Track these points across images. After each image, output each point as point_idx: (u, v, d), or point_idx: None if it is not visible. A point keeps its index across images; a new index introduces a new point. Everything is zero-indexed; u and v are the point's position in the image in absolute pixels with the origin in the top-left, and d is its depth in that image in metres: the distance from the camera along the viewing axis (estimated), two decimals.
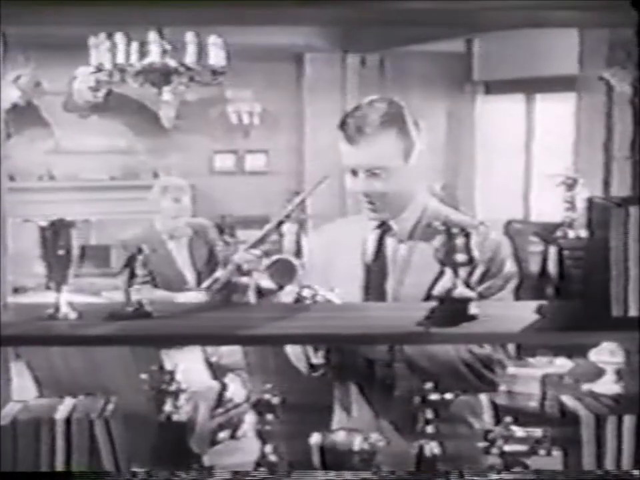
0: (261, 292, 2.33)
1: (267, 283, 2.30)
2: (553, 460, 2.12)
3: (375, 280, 2.62)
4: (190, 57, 6.09)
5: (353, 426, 2.50)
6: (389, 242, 2.62)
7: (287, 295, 2.34)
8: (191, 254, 5.73)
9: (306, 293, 2.32)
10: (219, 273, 2.44)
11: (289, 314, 2.22)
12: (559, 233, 2.13)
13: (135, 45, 5.99)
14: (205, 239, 5.80)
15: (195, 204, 6.08)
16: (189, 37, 6.05)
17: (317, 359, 2.53)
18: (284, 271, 2.32)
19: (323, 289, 2.39)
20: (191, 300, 5.15)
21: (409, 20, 2.47)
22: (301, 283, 2.31)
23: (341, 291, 2.47)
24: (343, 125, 2.58)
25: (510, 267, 2.53)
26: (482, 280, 2.50)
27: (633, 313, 2.01)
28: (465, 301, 2.10)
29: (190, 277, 5.67)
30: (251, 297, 2.29)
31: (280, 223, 2.37)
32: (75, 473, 2.05)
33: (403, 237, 2.60)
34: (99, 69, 6.07)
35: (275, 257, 2.32)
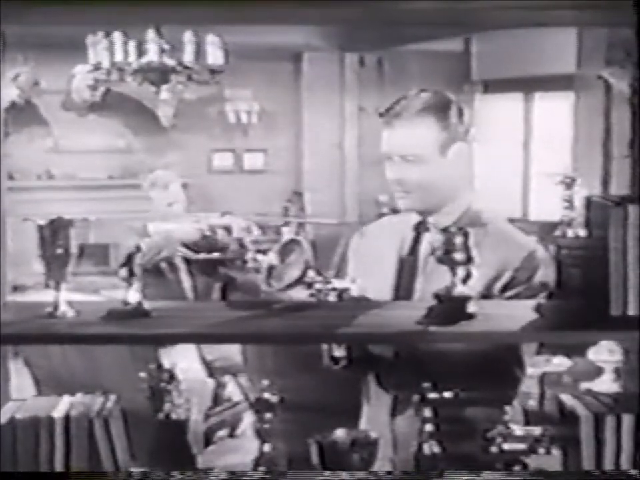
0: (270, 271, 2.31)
1: (274, 259, 2.29)
2: (552, 459, 2.13)
3: (405, 277, 2.61)
4: (188, 56, 6.09)
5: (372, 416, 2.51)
6: (425, 240, 2.59)
7: (293, 269, 2.31)
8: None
9: (319, 285, 2.31)
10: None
11: (290, 312, 2.22)
12: (557, 232, 2.13)
13: (133, 44, 5.99)
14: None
15: (193, 202, 6.09)
16: (187, 35, 6.05)
17: (339, 351, 2.52)
18: (292, 250, 2.31)
19: (339, 281, 2.40)
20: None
21: (407, 19, 2.48)
22: (309, 264, 2.29)
23: (372, 286, 2.47)
24: (385, 111, 2.58)
25: (543, 276, 2.42)
26: (506, 288, 2.49)
27: (631, 311, 2.01)
28: (464, 300, 2.10)
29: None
30: (262, 277, 2.28)
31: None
32: (72, 473, 2.05)
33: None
34: (97, 68, 6.06)
35: (287, 238, 2.31)
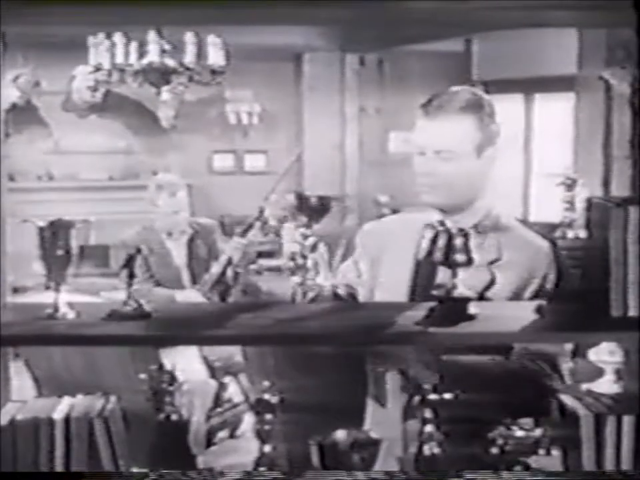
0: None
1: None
2: (553, 460, 2.12)
3: (422, 278, 2.56)
4: (189, 57, 6.08)
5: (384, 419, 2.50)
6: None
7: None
8: (189, 254, 5.74)
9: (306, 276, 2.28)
10: (214, 269, 2.43)
11: (290, 313, 2.22)
12: (558, 233, 2.13)
13: (133, 45, 5.99)
14: (205, 239, 5.80)
15: (193, 204, 6.08)
16: (188, 36, 6.05)
17: None
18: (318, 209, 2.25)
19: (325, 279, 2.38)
20: (189, 298, 5.18)
21: (408, 20, 2.48)
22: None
23: (387, 287, 2.45)
24: (426, 103, 2.57)
25: (553, 282, 2.42)
26: (537, 295, 2.46)
27: (632, 312, 2.01)
28: (464, 301, 2.10)
29: (186, 276, 5.67)
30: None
31: (262, 210, 2.35)
32: (86, 473, 2.05)
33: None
34: (98, 69, 6.06)
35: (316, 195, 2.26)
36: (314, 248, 2.16)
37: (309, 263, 2.20)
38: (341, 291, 2.68)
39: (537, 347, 2.47)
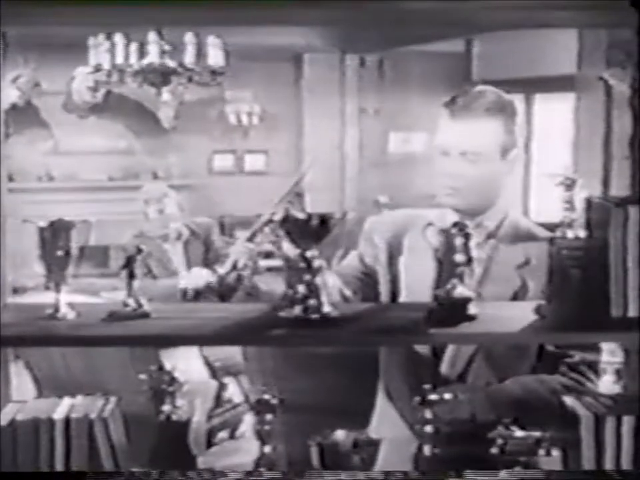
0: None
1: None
2: (553, 460, 2.12)
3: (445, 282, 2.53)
4: (189, 58, 6.10)
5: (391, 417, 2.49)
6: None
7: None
8: (187, 255, 5.75)
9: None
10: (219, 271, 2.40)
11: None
12: (557, 233, 2.13)
13: (134, 46, 6.00)
14: (203, 239, 5.81)
15: (193, 204, 6.10)
16: (188, 37, 6.06)
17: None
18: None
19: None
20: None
21: (409, 20, 2.48)
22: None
23: (409, 288, 2.45)
24: (450, 102, 2.54)
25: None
26: None
27: (632, 312, 2.00)
28: (465, 301, 2.10)
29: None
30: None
31: (272, 215, 2.32)
32: (90, 473, 2.05)
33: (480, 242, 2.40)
34: (98, 69, 6.07)
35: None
36: (317, 272, 2.10)
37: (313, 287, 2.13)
38: (356, 278, 2.63)
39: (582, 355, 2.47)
